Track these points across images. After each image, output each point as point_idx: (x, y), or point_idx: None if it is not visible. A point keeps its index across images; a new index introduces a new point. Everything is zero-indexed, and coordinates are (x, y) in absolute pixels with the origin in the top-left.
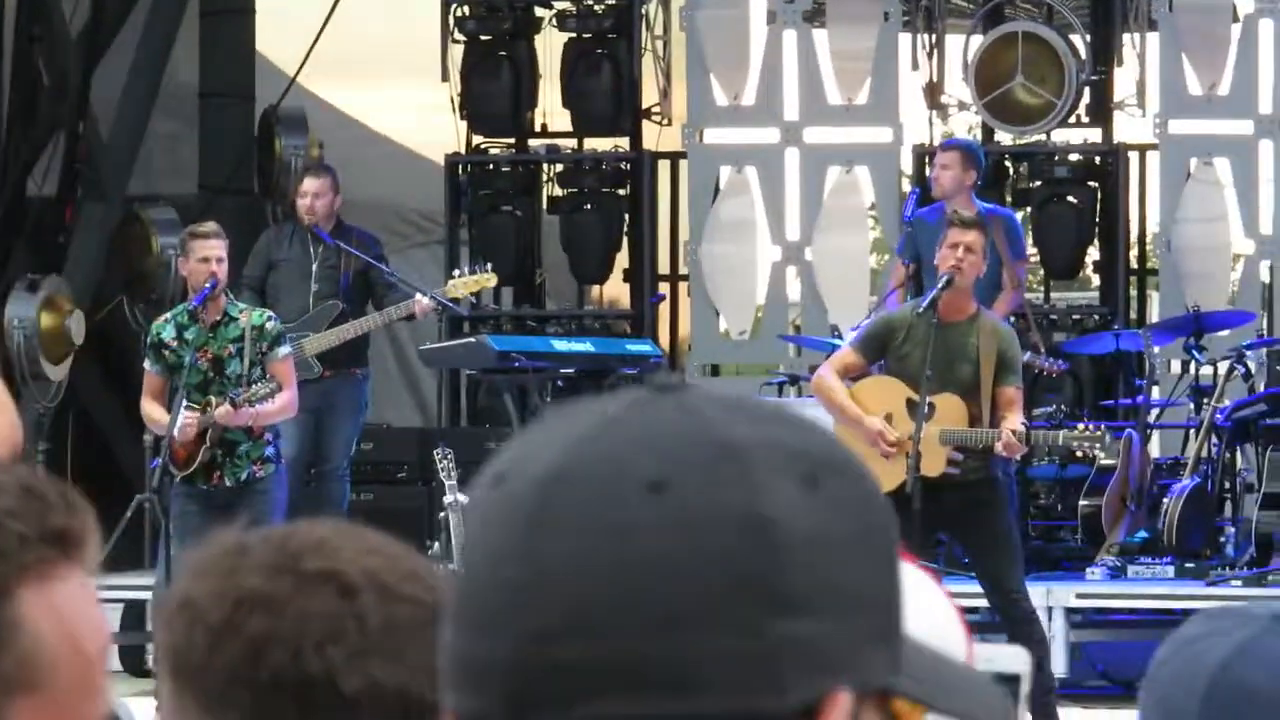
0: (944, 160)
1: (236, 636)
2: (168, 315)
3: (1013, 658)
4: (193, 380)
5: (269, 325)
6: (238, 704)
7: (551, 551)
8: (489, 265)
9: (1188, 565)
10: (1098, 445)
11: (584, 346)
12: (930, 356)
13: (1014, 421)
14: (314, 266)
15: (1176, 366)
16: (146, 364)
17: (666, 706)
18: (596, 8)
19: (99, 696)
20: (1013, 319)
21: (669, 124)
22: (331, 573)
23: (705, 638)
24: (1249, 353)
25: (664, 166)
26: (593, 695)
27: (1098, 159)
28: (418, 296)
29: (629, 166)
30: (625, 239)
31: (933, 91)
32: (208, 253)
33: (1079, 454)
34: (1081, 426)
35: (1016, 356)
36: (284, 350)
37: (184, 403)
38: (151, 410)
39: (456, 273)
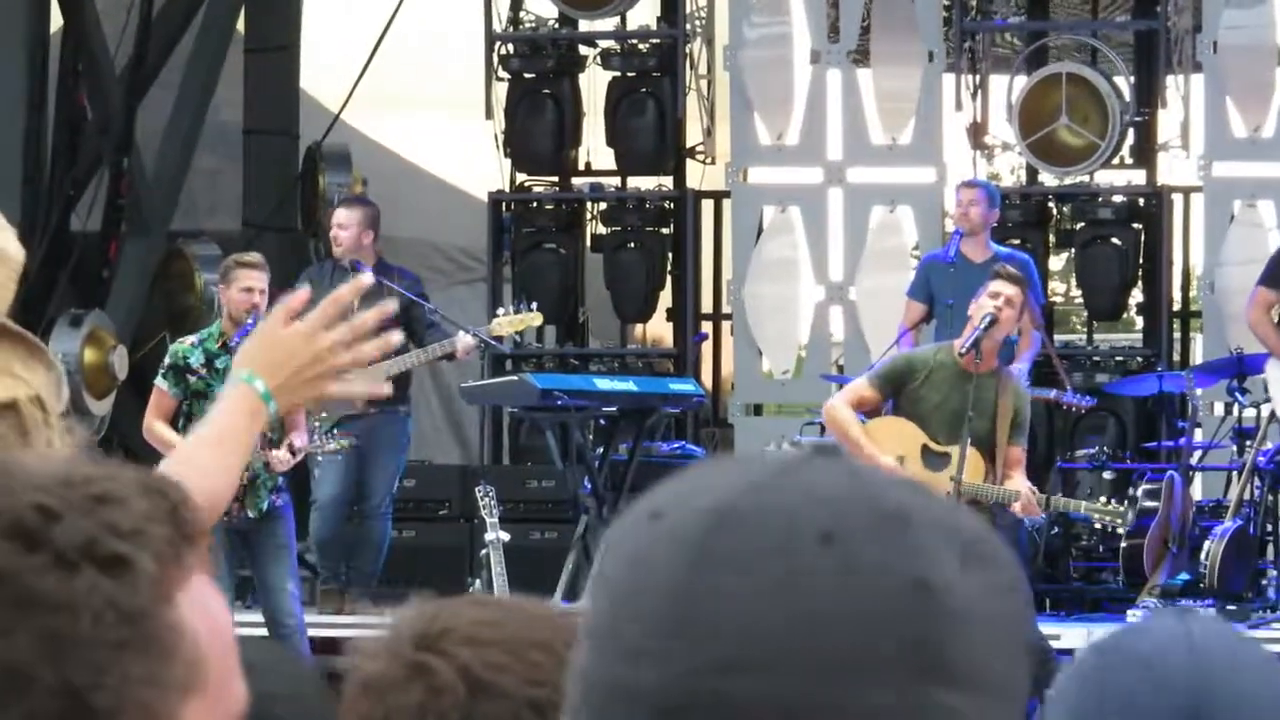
0: (971, 196)
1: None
2: (195, 339)
3: None
4: None
5: None
6: None
7: (719, 586)
8: (534, 304)
9: (1229, 608)
10: (1119, 522)
11: (626, 385)
12: (952, 406)
13: (1019, 481)
14: (355, 304)
15: (1219, 409)
16: (162, 383)
17: None
18: (641, 46)
19: (237, 684)
20: (1040, 358)
21: (712, 163)
22: (426, 668)
23: (866, 691)
24: None
25: (707, 205)
26: None
27: (1141, 200)
28: (459, 335)
29: (672, 205)
30: (668, 278)
31: (976, 132)
32: (251, 283)
33: (1097, 526)
34: (1104, 500)
35: (1027, 416)
36: None
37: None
38: (162, 432)
39: (501, 311)
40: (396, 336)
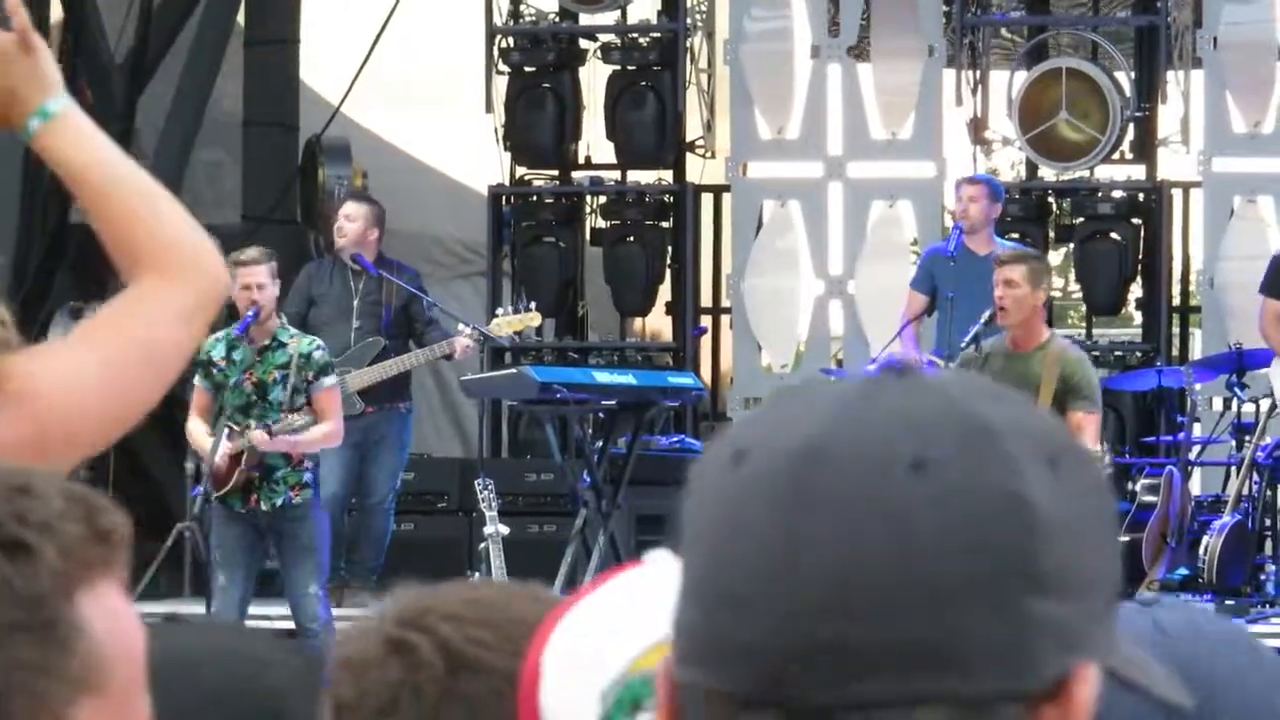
0: (971, 193)
1: (330, 700)
2: (219, 334)
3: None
4: (236, 401)
5: (316, 354)
6: None
7: (815, 528)
8: (533, 304)
9: (1228, 603)
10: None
11: (625, 379)
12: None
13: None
14: (355, 302)
15: (1218, 404)
16: (196, 380)
17: (931, 686)
18: (641, 40)
19: (143, 698)
20: None
21: (712, 157)
22: (404, 644)
23: (971, 618)
24: None
25: (707, 199)
26: (859, 675)
27: (1141, 196)
28: (459, 333)
29: (672, 199)
30: (668, 271)
31: (976, 127)
32: (248, 280)
33: None
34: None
35: (1085, 380)
36: (329, 381)
37: (225, 431)
38: (195, 429)
39: (500, 311)
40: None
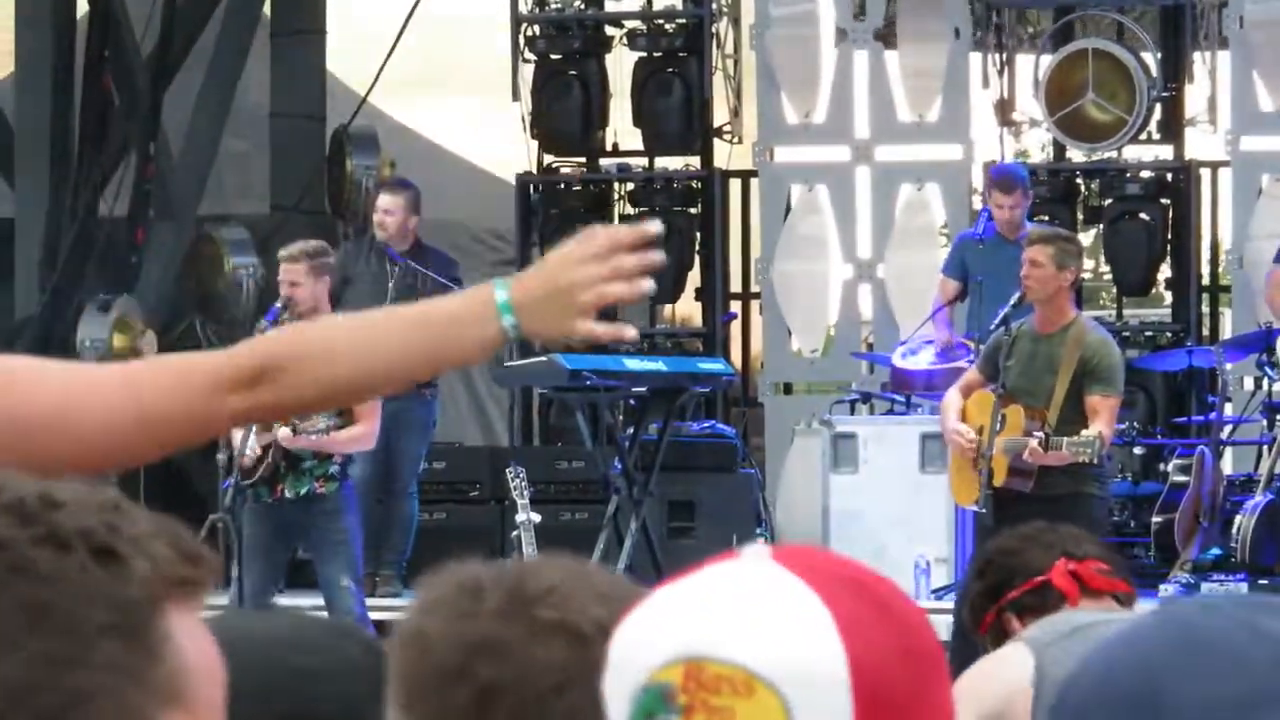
0: (1013, 200)
1: (467, 682)
2: (263, 324)
3: None
4: None
5: None
6: None
7: None
8: None
9: (1261, 582)
10: (1088, 452)
11: (656, 365)
12: (1024, 369)
13: (1092, 430)
14: (390, 284)
15: (1249, 383)
16: None
17: None
18: (667, 26)
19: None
20: None
21: (740, 142)
22: (563, 623)
23: None
24: None
25: (735, 185)
26: None
27: (1169, 175)
28: None
29: (700, 185)
30: (697, 257)
31: (1004, 109)
32: (284, 276)
33: (1083, 460)
34: (1081, 434)
35: (1105, 364)
36: None
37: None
38: None
39: None
40: (648, 285)
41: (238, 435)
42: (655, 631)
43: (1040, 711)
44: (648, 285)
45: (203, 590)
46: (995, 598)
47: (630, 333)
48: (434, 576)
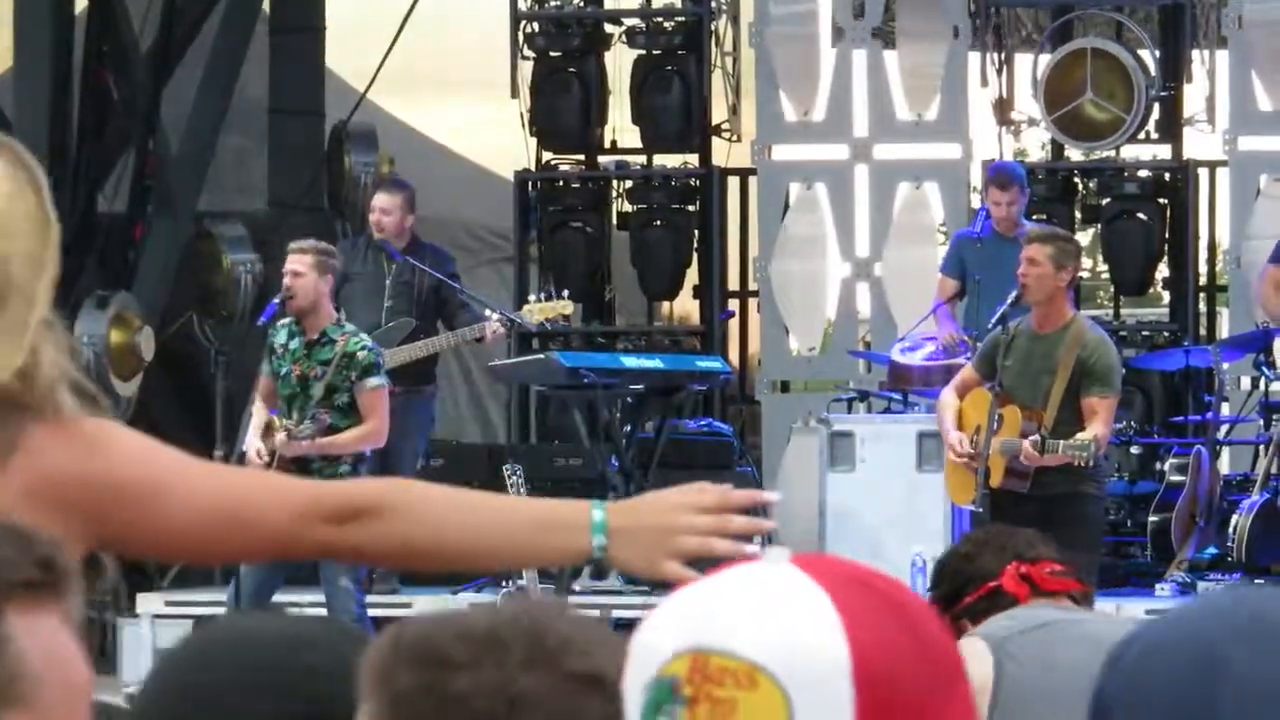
0: (1010, 196)
1: None
2: (285, 320)
3: None
4: (284, 391)
5: (360, 355)
6: None
7: None
8: (565, 292)
9: (1257, 581)
10: (1084, 455)
11: (653, 363)
12: (1022, 369)
13: (1089, 432)
14: (388, 282)
15: (1246, 383)
16: (263, 365)
17: None
18: (666, 24)
19: None
20: None
21: (738, 140)
22: (598, 675)
23: None
24: None
25: (733, 183)
26: None
27: (1167, 175)
28: (489, 319)
29: (698, 183)
30: (694, 255)
31: (1002, 108)
32: (288, 265)
33: (1077, 463)
34: (1075, 438)
35: (1102, 364)
36: (374, 381)
37: (252, 420)
38: (255, 413)
39: (533, 297)
40: (754, 550)
41: (241, 431)
42: (666, 627)
43: (998, 710)
44: (752, 550)
45: (56, 592)
46: (951, 605)
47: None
48: (426, 626)
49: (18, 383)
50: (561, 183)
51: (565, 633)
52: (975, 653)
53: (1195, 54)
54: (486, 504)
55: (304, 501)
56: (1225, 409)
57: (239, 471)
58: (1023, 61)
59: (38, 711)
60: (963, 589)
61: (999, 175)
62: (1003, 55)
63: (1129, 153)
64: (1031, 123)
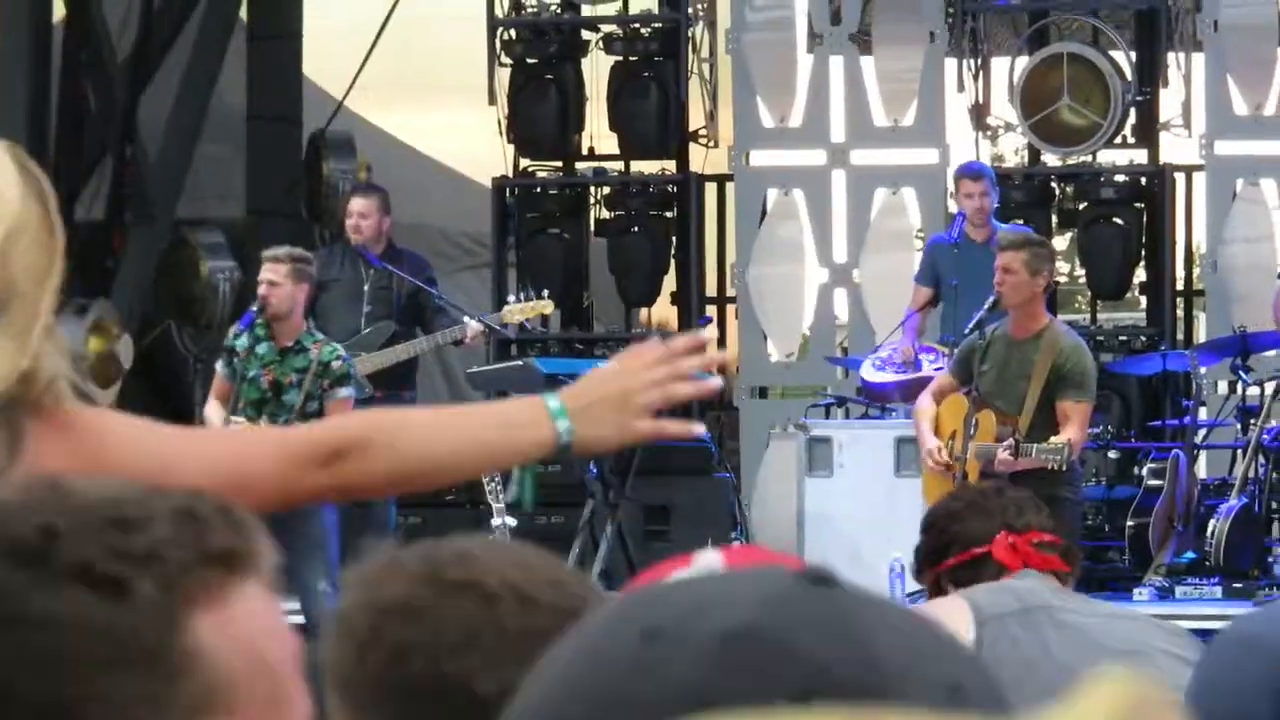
0: (982, 188)
1: (379, 645)
2: (242, 328)
3: None
4: (251, 395)
5: (335, 364)
6: (383, 710)
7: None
8: (544, 292)
9: (1235, 586)
10: (1058, 459)
11: None
12: (999, 374)
13: (1062, 437)
14: (366, 287)
15: (1223, 387)
16: (218, 365)
17: None
18: (643, 30)
19: (294, 704)
20: None
21: (715, 146)
22: (471, 582)
23: None
24: None
25: (711, 189)
26: None
27: (1144, 180)
28: (468, 322)
29: (676, 189)
30: (672, 261)
31: (979, 113)
32: (263, 275)
33: (1051, 467)
34: (1050, 441)
35: (1077, 370)
36: (345, 392)
37: (233, 421)
38: (212, 414)
39: (511, 299)
40: (716, 382)
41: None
42: None
43: None
44: (716, 383)
45: (248, 566)
46: (934, 561)
47: (699, 429)
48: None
49: (19, 385)
50: (539, 189)
51: (459, 550)
52: (957, 613)
53: (1171, 58)
54: (455, 420)
55: (293, 450)
56: (1203, 413)
57: (227, 433)
58: (999, 66)
59: (245, 711)
60: (947, 549)
61: (969, 169)
62: (979, 60)
63: (1105, 157)
64: (1008, 128)
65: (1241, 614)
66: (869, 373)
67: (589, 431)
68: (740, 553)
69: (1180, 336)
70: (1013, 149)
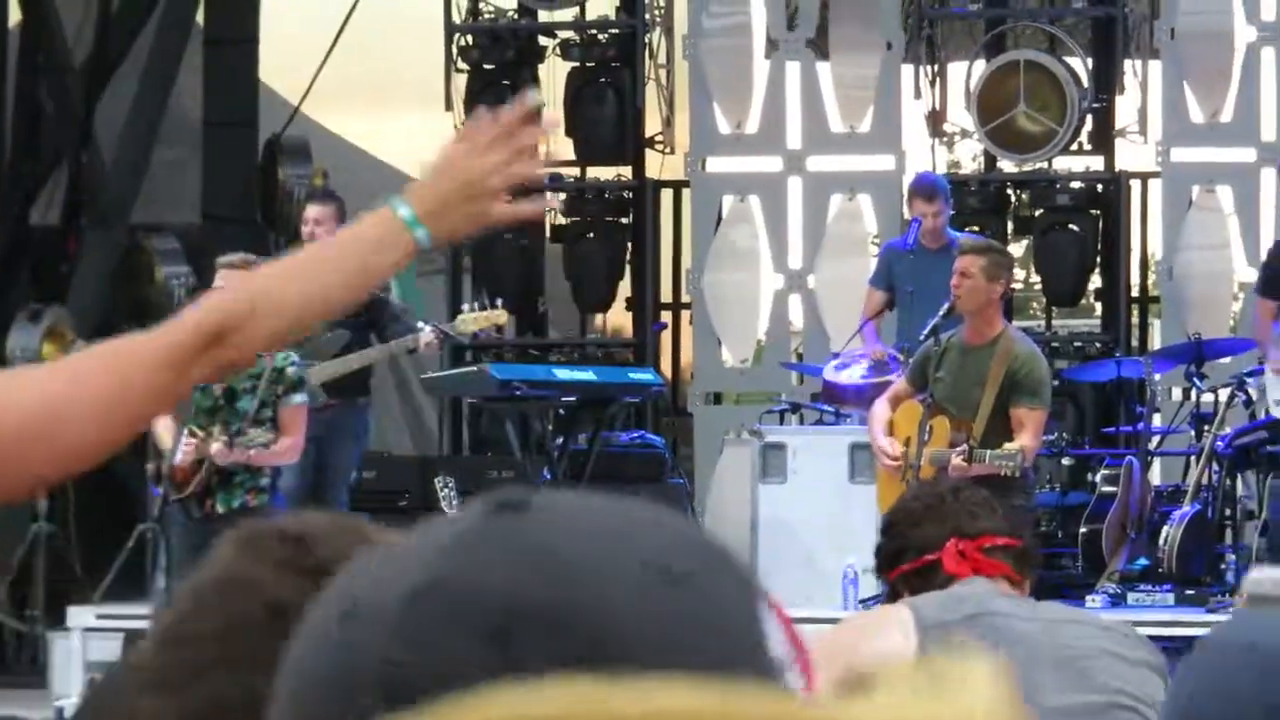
0: (936, 208)
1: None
2: None
3: None
4: (204, 403)
5: (289, 370)
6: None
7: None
8: (499, 301)
9: (1188, 592)
10: (1011, 465)
11: (586, 375)
12: (954, 381)
13: (1016, 443)
14: None
15: (1178, 394)
16: None
17: None
18: (600, 37)
19: None
20: None
21: (672, 152)
22: (320, 567)
23: None
24: (1250, 380)
25: (667, 195)
26: None
27: (1100, 186)
28: (423, 330)
29: (632, 195)
30: (628, 267)
31: (935, 120)
32: (217, 283)
33: (1004, 473)
34: (1004, 447)
35: (1032, 377)
36: (299, 398)
37: (185, 430)
38: (160, 423)
39: (466, 307)
40: (542, 153)
41: (166, 442)
42: None
43: None
44: (542, 154)
45: None
46: (890, 566)
47: (547, 202)
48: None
49: None
50: None
51: (315, 533)
52: (900, 622)
53: (1128, 64)
54: (319, 263)
55: (176, 355)
56: (1157, 420)
57: (89, 353)
58: (956, 73)
59: None
60: (901, 554)
61: (923, 187)
62: (936, 67)
63: (1062, 164)
64: (964, 134)
65: (1230, 619)
66: (830, 374)
67: (443, 228)
68: None
69: (1135, 343)
70: (969, 155)
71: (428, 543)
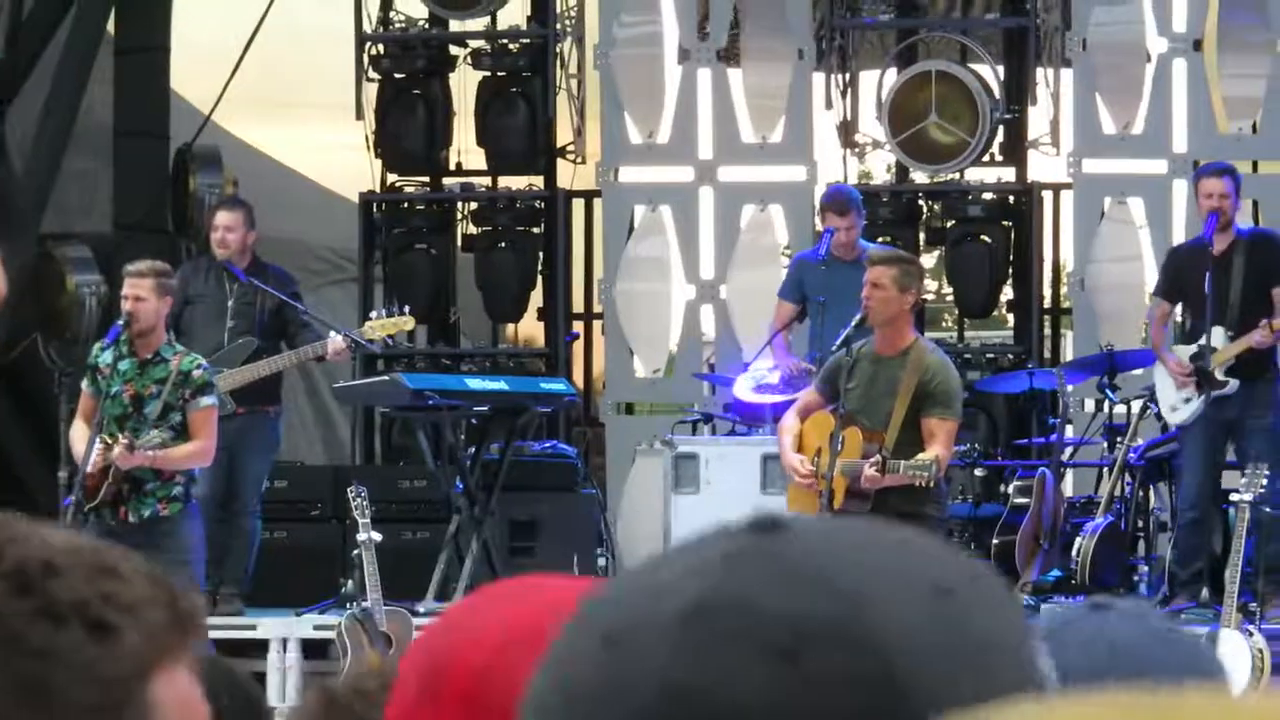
0: (848, 221)
1: None
2: (108, 340)
3: None
4: (114, 411)
5: (195, 373)
6: None
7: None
8: (406, 308)
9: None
10: (925, 475)
11: (498, 385)
12: (865, 391)
13: (929, 453)
14: (230, 302)
15: (1090, 405)
16: (83, 384)
17: None
18: (511, 46)
19: None
20: None
21: (583, 162)
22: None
23: None
24: None
25: (578, 205)
26: None
27: (1011, 198)
28: (331, 337)
29: (543, 205)
30: (540, 277)
31: (847, 130)
32: (127, 290)
33: (918, 484)
34: (917, 458)
35: (942, 388)
36: (206, 401)
37: (97, 437)
38: (77, 433)
39: (374, 314)
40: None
41: (79, 450)
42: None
43: None
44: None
45: (193, 645)
46: None
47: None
48: None
49: None
50: (406, 204)
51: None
52: None
53: (1040, 76)
54: None
55: None
56: (1069, 431)
57: None
58: (867, 84)
59: None
60: None
61: (835, 201)
62: (847, 77)
63: (973, 175)
64: (876, 145)
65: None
66: (745, 393)
67: None
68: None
69: (1047, 355)
70: (881, 166)
71: (689, 564)
